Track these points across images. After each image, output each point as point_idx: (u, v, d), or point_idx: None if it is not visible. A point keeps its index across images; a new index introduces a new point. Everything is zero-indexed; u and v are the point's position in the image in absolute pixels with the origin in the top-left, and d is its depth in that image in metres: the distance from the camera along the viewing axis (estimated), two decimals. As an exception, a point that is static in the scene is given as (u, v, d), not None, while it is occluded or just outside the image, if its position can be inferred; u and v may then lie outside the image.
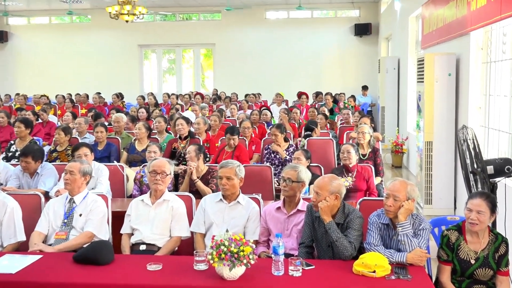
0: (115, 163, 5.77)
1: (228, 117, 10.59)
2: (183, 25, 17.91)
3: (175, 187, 5.36)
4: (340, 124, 9.18)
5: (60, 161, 6.07)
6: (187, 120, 7.02)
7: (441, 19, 7.80)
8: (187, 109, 11.71)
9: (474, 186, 4.34)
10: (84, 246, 3.65)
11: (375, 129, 8.00)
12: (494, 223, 3.74)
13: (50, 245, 3.82)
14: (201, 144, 6.65)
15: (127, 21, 13.17)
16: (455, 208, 7.08)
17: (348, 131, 7.79)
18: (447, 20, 7.40)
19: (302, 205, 3.82)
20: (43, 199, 4.25)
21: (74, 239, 3.81)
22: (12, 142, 6.68)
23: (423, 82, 7.27)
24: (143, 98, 13.01)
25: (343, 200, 3.53)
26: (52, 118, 10.06)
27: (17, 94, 14.61)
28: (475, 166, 4.27)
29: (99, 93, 13.63)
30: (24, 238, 3.86)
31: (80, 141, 6.79)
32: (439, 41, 7.95)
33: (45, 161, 5.39)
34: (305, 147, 6.76)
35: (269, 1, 16.53)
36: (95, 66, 17.67)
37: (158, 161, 4.14)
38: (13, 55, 18.25)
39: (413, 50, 11.17)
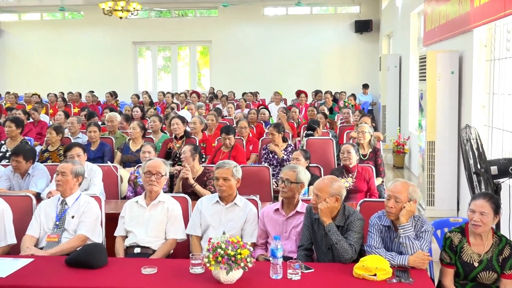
0: (109, 163, 5.76)
1: (225, 116, 10.59)
2: (178, 21, 17.89)
3: (171, 188, 5.36)
4: (340, 124, 9.18)
5: (52, 162, 6.05)
6: (183, 120, 7.01)
7: (443, 16, 7.81)
8: (183, 108, 11.71)
9: (477, 187, 4.35)
10: (77, 249, 3.65)
11: (376, 129, 8.00)
12: (498, 225, 3.74)
13: (41, 248, 3.82)
14: (198, 144, 6.66)
15: (121, 18, 13.15)
16: (458, 209, 7.09)
17: (348, 131, 7.80)
18: (450, 16, 7.41)
19: (301, 207, 3.82)
20: (34, 201, 4.24)
21: (66, 243, 3.81)
22: (3, 142, 6.66)
23: (425, 80, 7.28)
24: (138, 96, 12.99)
25: (343, 202, 3.54)
26: (43, 117, 10.05)
27: (8, 92, 14.56)
28: (479, 166, 4.28)
29: (92, 92, 13.59)
30: (14, 241, 3.85)
31: (72, 141, 6.78)
32: (442, 38, 7.96)
33: (37, 161, 5.38)
34: (304, 147, 6.77)
35: (267, -4, 16.56)
36: (88, 64, 17.64)
37: (153, 161, 4.13)
38: (3, 53, 18.20)
39: (415, 48, 11.19)
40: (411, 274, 3.09)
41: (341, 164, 5.53)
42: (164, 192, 4.22)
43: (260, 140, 7.30)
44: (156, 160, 4.18)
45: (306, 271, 3.14)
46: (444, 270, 3.36)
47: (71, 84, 16.33)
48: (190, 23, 17.72)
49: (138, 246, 3.87)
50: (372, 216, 3.50)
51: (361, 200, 4.12)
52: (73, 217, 3.92)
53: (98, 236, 3.93)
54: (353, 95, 13.58)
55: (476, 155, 4.31)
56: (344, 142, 7.18)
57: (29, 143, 6.70)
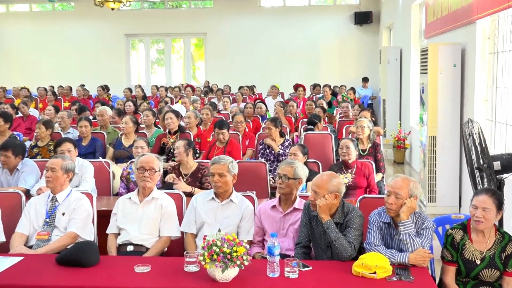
0: (101, 159, 5.76)
1: (221, 110, 10.59)
2: (172, 13, 17.84)
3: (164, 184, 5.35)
4: (339, 118, 9.19)
5: (42, 157, 6.05)
6: (177, 114, 7.01)
7: (445, 7, 7.81)
8: (177, 102, 11.69)
9: (480, 182, 4.37)
10: (67, 247, 3.65)
11: (376, 123, 8.01)
12: (501, 222, 3.76)
13: (31, 246, 3.82)
14: (192, 139, 6.66)
15: (112, 9, 13.09)
16: (460, 206, 7.11)
17: (347, 125, 7.80)
18: (452, 8, 7.41)
19: (299, 203, 3.82)
20: (23, 198, 4.24)
21: (56, 241, 3.80)
22: (-10, 137, 6.64)
23: (426, 73, 7.28)
24: (130, 90, 12.98)
25: (342, 198, 3.54)
26: (33, 111, 10.02)
27: (-5, 86, 14.51)
28: (481, 162, 4.29)
29: (83, 85, 13.56)
30: (3, 239, 3.84)
31: (63, 136, 6.78)
32: (444, 30, 7.96)
33: (26, 157, 5.36)
34: (302, 142, 6.77)
35: (264, -13, 16.53)
36: (79, 56, 17.58)
37: (146, 157, 4.13)
38: (-9, 45, 18.13)
39: (416, 40, 11.18)
40: (411, 272, 3.10)
41: (340, 160, 5.54)
42: (158, 188, 4.21)
43: (256, 135, 7.30)
44: (150, 155, 4.17)
45: (304, 269, 3.15)
46: (446, 268, 3.37)
47: (61, 78, 16.28)
48: (184, 15, 17.68)
49: (131, 244, 3.86)
50: (371, 213, 3.50)
51: (361, 197, 4.12)
52: (63, 214, 3.91)
53: (89, 234, 3.93)
54: (352, 88, 13.57)
55: (479, 150, 4.32)
56: (343, 137, 7.18)
57: (18, 138, 6.68)
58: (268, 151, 6.47)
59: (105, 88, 13.22)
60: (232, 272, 2.98)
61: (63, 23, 17.83)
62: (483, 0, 6.02)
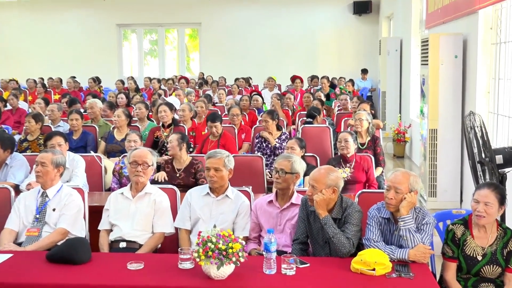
0: (92, 153, 5.74)
1: (216, 103, 10.58)
2: (166, 2, 17.72)
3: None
4: (337, 111, 9.19)
5: (31, 152, 6.03)
6: (171, 107, 6.99)
7: (447, -4, 7.80)
8: (171, 94, 11.67)
9: (481, 177, 4.38)
10: (58, 244, 3.64)
11: (375, 116, 8.02)
12: (503, 217, 3.77)
13: (20, 243, 3.81)
14: (187, 132, 6.65)
15: (104, -2, 13.03)
16: (461, 201, 7.14)
17: (346, 118, 7.80)
18: (454, -3, 7.40)
19: (296, 199, 3.82)
20: (13, 193, 4.23)
21: (46, 238, 3.80)
22: (-22, 131, 6.62)
23: (427, 65, 7.28)
24: (123, 82, 12.93)
25: (341, 193, 3.54)
26: (22, 104, 9.98)
27: (-17, 78, 14.44)
28: (483, 155, 4.30)
29: (74, 77, 13.51)
30: (-8, 236, 3.84)
31: (53, 129, 6.76)
32: (445, 20, 7.96)
33: (15, 151, 5.35)
34: (300, 135, 6.77)
35: (260, -24, 16.44)
36: (69, 47, 17.47)
37: (139, 151, 4.12)
38: (-23, 36, 18.02)
39: (416, 30, 11.18)
40: (411, 268, 3.11)
41: (339, 154, 5.54)
42: (151, 183, 4.21)
43: (253, 128, 7.30)
44: (143, 149, 4.17)
45: (301, 266, 3.15)
46: (446, 264, 3.39)
47: (51, 69, 16.18)
48: (178, 4, 17.57)
49: (123, 240, 3.86)
50: (371, 208, 3.51)
51: (360, 191, 4.13)
52: (54, 210, 3.91)
53: (80, 230, 3.92)
54: (351, 80, 13.57)
55: (481, 143, 4.32)
56: (342, 130, 7.19)
57: (7, 132, 6.66)
58: (264, 144, 6.47)
59: (97, 80, 13.18)
60: (227, 269, 2.98)
61: (53, 13, 17.70)
62: (485, -11, 6.02)
